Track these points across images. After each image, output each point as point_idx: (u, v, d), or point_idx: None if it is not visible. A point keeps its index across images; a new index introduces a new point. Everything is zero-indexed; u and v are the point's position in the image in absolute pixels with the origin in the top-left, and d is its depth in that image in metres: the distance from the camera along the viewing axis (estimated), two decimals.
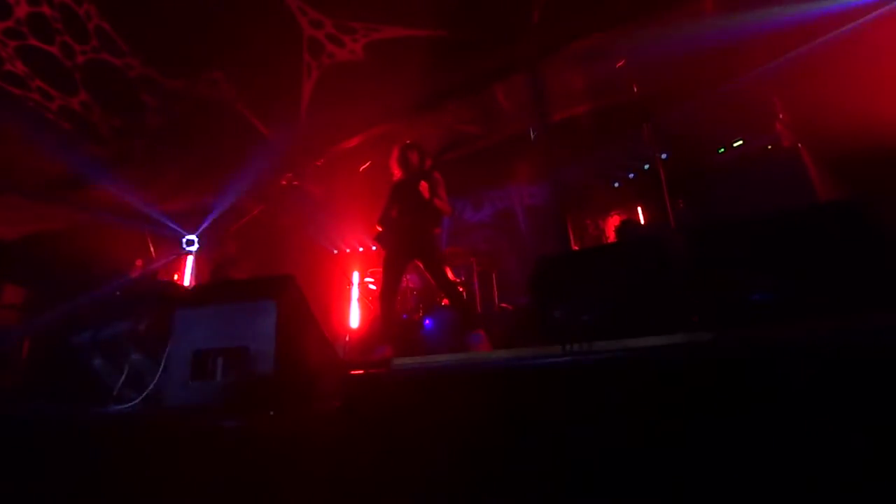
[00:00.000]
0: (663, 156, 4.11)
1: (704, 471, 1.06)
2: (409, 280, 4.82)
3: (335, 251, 6.99)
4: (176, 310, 2.17)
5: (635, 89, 4.48)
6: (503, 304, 4.96)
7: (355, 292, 6.11)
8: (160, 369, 2.10)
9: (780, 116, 3.85)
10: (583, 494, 1.11)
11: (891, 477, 0.90)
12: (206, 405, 1.91)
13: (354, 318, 5.99)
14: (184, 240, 6.62)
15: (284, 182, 6.41)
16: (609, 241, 5.38)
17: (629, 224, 4.98)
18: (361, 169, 6.30)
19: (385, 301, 3.21)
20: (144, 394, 2.12)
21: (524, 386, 1.41)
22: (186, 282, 6.50)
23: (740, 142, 3.98)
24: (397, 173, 3.50)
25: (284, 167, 6.17)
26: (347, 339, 5.76)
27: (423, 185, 3.27)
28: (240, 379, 1.93)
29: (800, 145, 3.50)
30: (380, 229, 3.41)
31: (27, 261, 5.24)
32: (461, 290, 4.12)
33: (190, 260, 6.66)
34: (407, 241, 3.25)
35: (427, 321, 4.14)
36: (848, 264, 1.41)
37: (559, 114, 5.37)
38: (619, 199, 5.75)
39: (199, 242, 6.68)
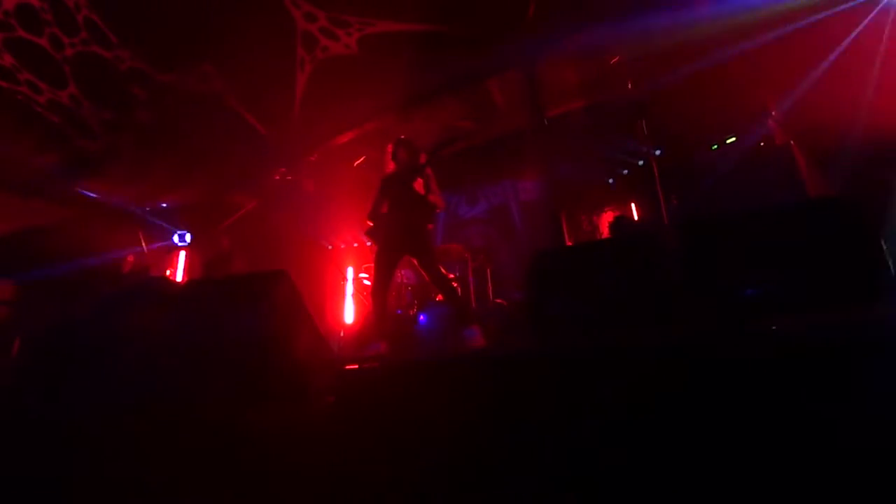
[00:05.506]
0: (657, 152, 4.13)
1: (702, 469, 1.07)
2: (404, 276, 4.81)
3: (329, 247, 6.96)
4: (165, 308, 2.15)
5: (630, 86, 4.49)
6: (497, 300, 4.97)
7: (350, 288, 6.09)
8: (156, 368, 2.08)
9: (773, 114, 3.88)
10: (579, 490, 1.12)
11: (889, 472, 0.92)
12: (204, 401, 1.90)
13: (349, 314, 5.98)
14: (175, 235, 6.58)
15: (278, 177, 6.36)
16: (603, 237, 5.41)
17: (623, 220, 4.99)
18: (356, 164, 6.27)
19: (377, 296, 3.19)
20: (140, 392, 2.11)
21: (518, 381, 1.42)
22: (179, 277, 6.46)
23: (733, 139, 4.01)
24: (390, 167, 3.48)
25: (278, 162, 6.13)
26: (342, 334, 5.76)
27: (419, 182, 3.26)
28: (234, 375, 1.92)
29: (792, 142, 3.54)
30: (370, 224, 3.39)
31: (17, 257, 5.17)
32: (455, 285, 4.13)
33: (182, 255, 6.61)
34: (399, 237, 3.23)
35: (421, 317, 4.13)
36: (838, 259, 1.43)
37: (554, 110, 5.37)
38: (613, 195, 5.78)
39: (191, 237, 6.64)
